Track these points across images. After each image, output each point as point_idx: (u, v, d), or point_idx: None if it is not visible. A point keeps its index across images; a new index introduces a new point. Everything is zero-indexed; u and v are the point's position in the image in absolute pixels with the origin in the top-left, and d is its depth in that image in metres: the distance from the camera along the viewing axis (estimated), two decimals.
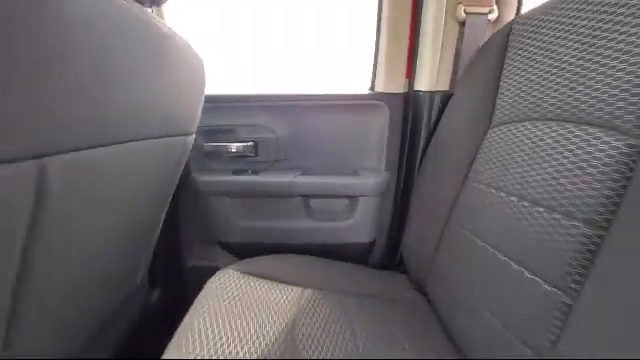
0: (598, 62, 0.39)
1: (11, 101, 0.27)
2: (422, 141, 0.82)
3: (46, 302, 0.41)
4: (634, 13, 0.35)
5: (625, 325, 0.29)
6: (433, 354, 0.54)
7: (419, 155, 0.83)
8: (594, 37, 0.40)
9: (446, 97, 0.77)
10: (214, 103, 0.83)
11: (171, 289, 0.90)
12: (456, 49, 0.76)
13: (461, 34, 0.74)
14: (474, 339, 0.51)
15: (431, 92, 0.79)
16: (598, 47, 0.39)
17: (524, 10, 0.73)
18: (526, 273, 0.42)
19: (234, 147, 0.88)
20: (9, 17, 0.25)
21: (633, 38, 0.35)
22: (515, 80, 0.53)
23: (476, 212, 0.55)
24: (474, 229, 0.55)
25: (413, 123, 0.85)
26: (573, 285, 0.36)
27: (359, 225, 0.90)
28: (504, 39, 0.58)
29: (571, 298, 0.36)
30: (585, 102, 0.40)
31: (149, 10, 0.53)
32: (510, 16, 0.74)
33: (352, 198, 0.90)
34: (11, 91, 0.26)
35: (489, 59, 0.61)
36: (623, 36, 0.36)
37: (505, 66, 0.57)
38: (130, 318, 0.75)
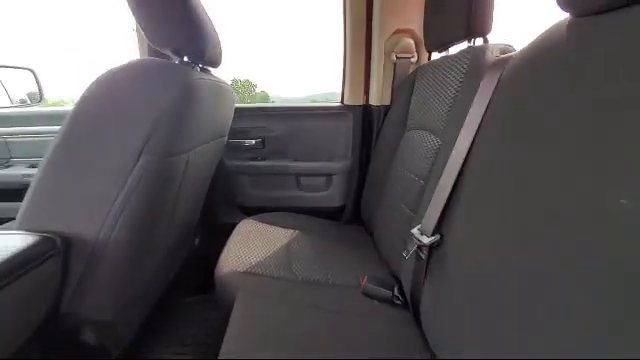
0: (437, 95, 0.81)
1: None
2: (373, 137, 1.25)
3: (162, 237, 0.83)
4: (455, 76, 0.76)
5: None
6: (362, 248, 0.98)
7: (372, 147, 1.25)
8: (440, 82, 0.82)
9: (387, 109, 1.19)
10: (236, 113, 1.24)
11: (207, 237, 1.32)
12: (392, 78, 1.18)
13: (395, 68, 1.17)
14: (387, 226, 0.93)
15: (378, 105, 1.22)
16: (440, 87, 0.81)
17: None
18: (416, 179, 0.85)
19: (248, 142, 1.30)
20: None
21: (449, 86, 0.77)
22: (416, 102, 0.95)
23: (396, 181, 0.98)
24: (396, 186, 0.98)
25: (368, 125, 1.27)
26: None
27: (333, 194, 1.33)
28: (414, 75, 1.00)
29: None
30: (430, 119, 0.83)
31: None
32: (424, 60, 1.16)
33: (328, 176, 1.33)
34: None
35: (407, 86, 1.03)
36: (441, 85, 0.78)
37: (414, 91, 0.98)
38: (184, 256, 1.17)
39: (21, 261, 0.54)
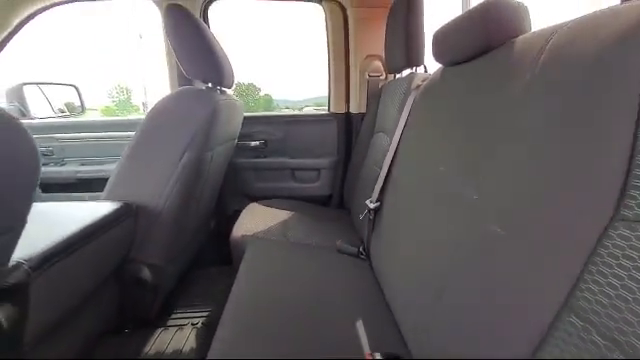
0: (391, 106, 1.13)
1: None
2: (353, 139, 1.56)
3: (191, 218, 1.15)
4: (399, 93, 1.08)
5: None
6: (341, 222, 1.29)
7: (353, 146, 1.57)
8: (392, 96, 1.13)
9: (363, 115, 1.50)
10: (244, 121, 1.56)
11: (221, 221, 1.64)
12: (366, 92, 1.49)
13: (368, 84, 1.48)
14: (359, 204, 1.25)
15: (357, 113, 1.53)
16: (391, 100, 1.13)
17: None
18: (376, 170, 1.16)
19: (253, 143, 1.62)
20: None
21: (396, 100, 1.08)
22: (381, 111, 1.26)
23: (366, 172, 1.29)
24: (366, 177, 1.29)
25: (349, 129, 1.59)
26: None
27: (322, 185, 1.65)
28: (381, 90, 1.31)
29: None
30: (386, 124, 1.14)
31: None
32: (390, 77, 1.48)
33: (318, 170, 1.64)
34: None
35: (376, 99, 1.33)
36: (392, 99, 1.10)
37: (379, 103, 1.29)
38: (204, 237, 1.48)
39: (109, 220, 0.86)
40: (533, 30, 0.54)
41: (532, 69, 0.44)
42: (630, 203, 0.28)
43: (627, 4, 0.34)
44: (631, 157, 0.28)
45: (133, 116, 1.74)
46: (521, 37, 0.53)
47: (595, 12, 0.38)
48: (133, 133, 0.94)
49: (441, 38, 0.73)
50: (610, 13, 0.35)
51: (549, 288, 0.34)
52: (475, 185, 0.51)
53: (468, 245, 0.50)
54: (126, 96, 28.45)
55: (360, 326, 0.70)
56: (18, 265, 0.56)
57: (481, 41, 0.59)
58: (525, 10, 0.56)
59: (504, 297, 0.41)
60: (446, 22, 0.71)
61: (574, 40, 0.38)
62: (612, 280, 0.29)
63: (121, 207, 0.89)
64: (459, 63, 0.68)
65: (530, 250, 0.38)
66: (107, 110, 25.14)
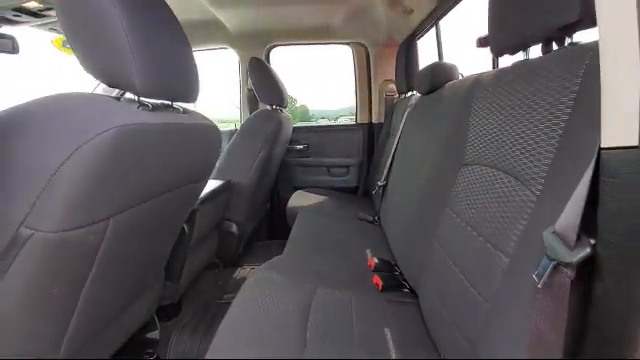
0: (398, 117, 1.61)
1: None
2: (375, 143, 2.05)
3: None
4: (404, 108, 1.57)
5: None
6: (362, 202, 1.78)
7: (374, 149, 2.05)
8: (398, 110, 1.62)
9: (381, 125, 1.99)
10: (293, 130, 2.11)
11: (274, 204, 2.19)
12: (384, 107, 1.98)
13: (385, 101, 1.96)
14: (375, 188, 1.73)
15: (377, 123, 2.02)
16: (397, 112, 1.61)
17: None
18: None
19: (298, 147, 2.16)
20: None
21: (400, 112, 1.57)
22: (393, 121, 1.74)
23: (380, 168, 1.77)
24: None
25: (371, 135, 2.08)
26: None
27: (350, 179, 2.14)
28: (394, 105, 1.79)
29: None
30: (394, 130, 1.62)
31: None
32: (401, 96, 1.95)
33: (347, 167, 2.14)
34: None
35: (390, 112, 1.82)
36: (397, 112, 1.58)
37: (393, 115, 1.77)
38: (261, 215, 2.03)
39: (217, 191, 1.42)
40: (460, 77, 1.01)
41: (456, 98, 0.91)
42: (469, 153, 0.75)
43: (465, 77, 0.81)
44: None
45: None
46: (452, 82, 1.00)
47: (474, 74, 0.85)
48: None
49: (419, 76, 1.21)
50: (476, 76, 0.82)
51: (438, 195, 0.81)
52: (424, 171, 0.98)
53: (429, 199, 0.97)
54: None
55: (368, 251, 1.17)
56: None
57: (435, 82, 1.07)
58: (455, 67, 1.03)
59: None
60: (422, 67, 1.20)
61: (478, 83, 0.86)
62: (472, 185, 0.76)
63: (224, 183, 1.46)
64: (427, 93, 1.16)
65: (444, 184, 0.85)
66: None
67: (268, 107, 1.66)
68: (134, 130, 0.52)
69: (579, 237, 0.32)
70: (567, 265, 0.32)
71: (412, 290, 0.91)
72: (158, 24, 0.63)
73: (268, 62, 2.03)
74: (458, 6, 1.32)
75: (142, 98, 0.59)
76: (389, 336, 0.72)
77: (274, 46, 2.02)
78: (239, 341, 0.64)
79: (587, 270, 0.32)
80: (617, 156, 0.28)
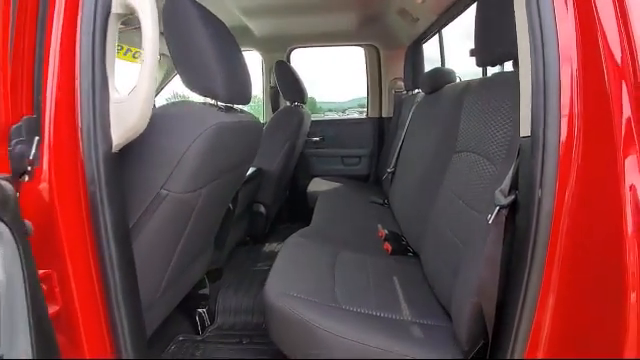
0: (405, 112, 1.83)
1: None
2: (385, 135, 2.26)
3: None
4: (411, 103, 1.77)
5: None
6: (372, 188, 2.01)
7: (384, 141, 2.26)
8: (406, 105, 1.83)
9: (390, 119, 2.19)
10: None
11: (293, 189, 2.42)
12: (393, 102, 2.18)
13: (394, 97, 2.17)
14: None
15: (387, 117, 2.23)
16: (405, 107, 1.82)
17: None
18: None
19: (315, 139, 2.38)
20: None
21: (408, 108, 1.78)
22: (401, 115, 1.96)
23: (389, 158, 1.98)
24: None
25: (381, 128, 2.29)
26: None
27: (362, 167, 2.36)
28: (402, 101, 2.00)
29: None
30: (402, 123, 1.83)
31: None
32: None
33: (359, 157, 2.36)
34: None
35: (398, 107, 2.03)
36: (405, 107, 1.79)
37: (401, 109, 1.98)
38: (283, 199, 2.28)
39: (251, 176, 1.66)
40: (458, 81, 1.22)
41: (452, 99, 1.13)
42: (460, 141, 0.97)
43: (459, 82, 1.03)
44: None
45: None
46: (450, 85, 1.22)
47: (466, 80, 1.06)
48: None
49: (423, 78, 1.42)
50: (466, 82, 1.03)
51: (436, 177, 1.03)
52: (425, 158, 1.20)
53: (428, 180, 1.19)
54: None
55: (379, 225, 1.40)
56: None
57: (436, 84, 1.28)
58: (453, 72, 1.24)
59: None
60: (427, 70, 1.41)
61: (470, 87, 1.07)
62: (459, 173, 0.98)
63: (255, 170, 1.70)
64: (430, 93, 1.37)
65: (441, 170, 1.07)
66: None
67: (288, 104, 1.89)
68: (223, 127, 0.73)
69: (509, 191, 0.55)
70: (503, 207, 0.55)
71: (415, 254, 1.14)
72: (224, 39, 0.79)
73: (289, 63, 2.25)
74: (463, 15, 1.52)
75: (219, 103, 0.79)
76: (397, 282, 0.96)
77: (294, 48, 2.24)
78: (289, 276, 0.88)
79: (513, 212, 0.55)
80: (525, 142, 0.50)
